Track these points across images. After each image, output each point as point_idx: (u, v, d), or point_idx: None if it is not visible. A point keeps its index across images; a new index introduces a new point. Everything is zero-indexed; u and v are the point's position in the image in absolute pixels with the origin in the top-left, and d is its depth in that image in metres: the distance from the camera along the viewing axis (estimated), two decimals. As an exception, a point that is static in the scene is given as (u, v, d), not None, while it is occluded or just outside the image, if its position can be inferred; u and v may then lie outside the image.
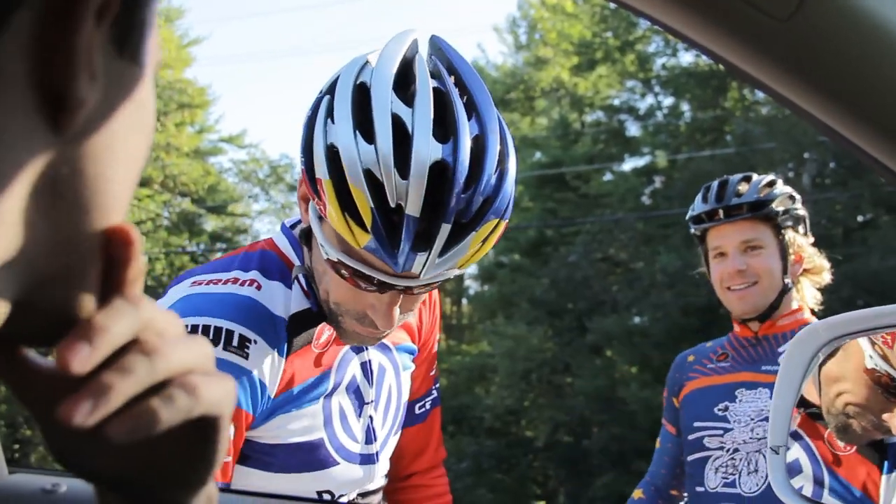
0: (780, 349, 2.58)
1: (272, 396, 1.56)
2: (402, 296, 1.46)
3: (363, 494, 1.71)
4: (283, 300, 1.59)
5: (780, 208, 2.61)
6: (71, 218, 0.47)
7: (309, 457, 1.60)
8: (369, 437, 1.69)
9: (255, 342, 1.52)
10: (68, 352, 0.45)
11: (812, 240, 2.67)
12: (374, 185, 1.32)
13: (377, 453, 1.70)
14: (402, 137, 1.32)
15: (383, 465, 1.75)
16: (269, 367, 1.54)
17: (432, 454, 1.98)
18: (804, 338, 1.21)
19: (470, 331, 27.01)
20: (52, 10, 0.42)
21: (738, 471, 2.57)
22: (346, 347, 1.67)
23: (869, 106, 0.71)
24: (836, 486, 2.16)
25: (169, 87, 25.00)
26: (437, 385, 1.97)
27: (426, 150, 1.31)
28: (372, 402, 1.70)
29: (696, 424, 2.68)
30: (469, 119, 1.38)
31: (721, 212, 2.64)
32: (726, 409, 2.62)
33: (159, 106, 24.74)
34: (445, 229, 1.33)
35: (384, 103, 1.33)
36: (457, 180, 1.32)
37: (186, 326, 1.64)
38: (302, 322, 1.60)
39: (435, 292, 1.89)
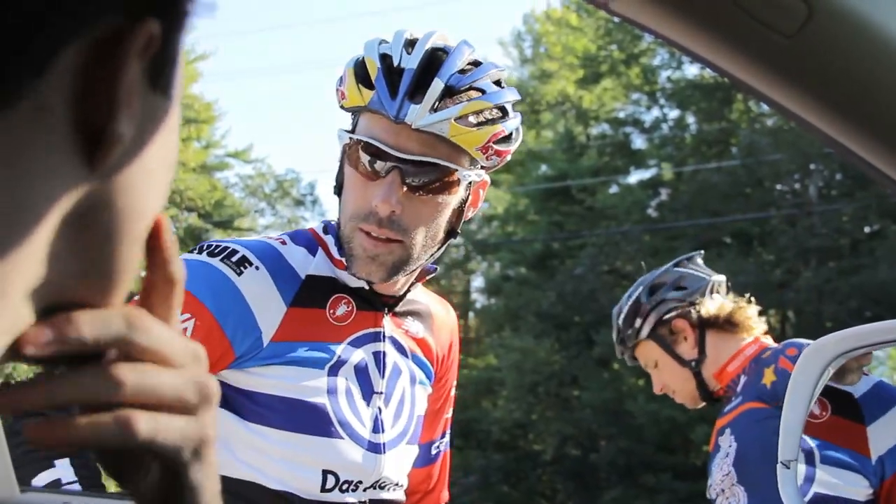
0: (738, 388, 2.67)
1: (268, 337, 1.58)
2: (402, 183, 1.55)
3: (375, 503, 1.70)
4: (303, 260, 1.68)
5: (645, 328, 2.79)
6: (100, 249, 0.48)
7: (310, 418, 1.60)
8: (377, 426, 1.69)
9: (257, 268, 1.60)
10: (31, 332, 0.46)
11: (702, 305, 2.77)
12: (384, 57, 1.59)
13: (384, 444, 1.68)
14: (410, 44, 1.60)
15: (393, 465, 1.72)
16: (264, 298, 1.59)
17: (437, 496, 2.00)
18: (814, 353, 1.21)
19: (477, 344, 26.99)
20: (99, 49, 0.42)
21: None
22: (362, 331, 1.70)
23: (876, 121, 0.72)
24: (827, 454, 2.23)
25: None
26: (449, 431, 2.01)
27: (429, 42, 1.59)
28: (382, 393, 1.71)
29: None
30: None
31: (619, 349, 2.93)
32: (714, 458, 2.70)
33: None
34: (438, 84, 1.53)
35: (399, 37, 1.63)
36: (451, 59, 1.57)
37: (200, 247, 1.62)
38: (318, 284, 1.66)
39: (455, 335, 1.94)
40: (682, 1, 0.70)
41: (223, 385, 1.57)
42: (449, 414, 1.98)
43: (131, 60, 0.43)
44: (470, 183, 1.64)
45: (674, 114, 23.85)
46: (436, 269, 1.77)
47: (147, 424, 0.51)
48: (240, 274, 1.58)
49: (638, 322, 2.79)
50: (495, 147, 1.61)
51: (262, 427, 1.58)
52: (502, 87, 1.64)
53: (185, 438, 0.54)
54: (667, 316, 2.76)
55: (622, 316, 2.84)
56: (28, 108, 0.40)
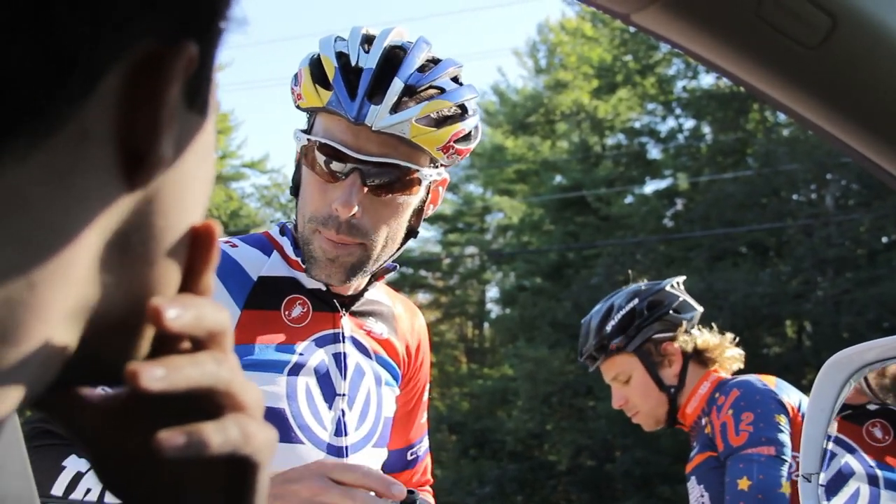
0: (701, 426, 2.70)
1: None
2: (362, 185, 1.54)
3: None
4: (256, 261, 1.66)
5: (635, 342, 2.77)
6: (138, 270, 0.48)
7: (270, 423, 1.56)
8: (339, 429, 1.65)
9: None
10: (142, 368, 0.46)
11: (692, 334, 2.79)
12: (341, 55, 1.57)
13: (347, 448, 1.65)
14: (368, 41, 1.59)
15: None
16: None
17: None
18: (833, 367, 1.20)
19: (492, 354, 26.95)
20: (141, 72, 0.42)
21: None
22: (320, 333, 1.67)
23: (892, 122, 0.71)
24: (891, 477, 2.20)
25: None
26: (426, 435, 1.98)
27: (387, 40, 1.58)
28: (345, 395, 1.67)
29: None
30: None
31: (589, 361, 2.91)
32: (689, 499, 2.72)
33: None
34: (398, 84, 1.52)
35: (356, 33, 1.61)
36: (410, 57, 1.56)
37: None
38: (271, 286, 1.65)
39: (424, 336, 1.91)
40: (704, 14, 0.69)
41: None
42: (423, 419, 1.95)
43: (172, 83, 0.43)
44: (430, 182, 1.63)
45: (689, 124, 23.79)
46: (395, 267, 1.74)
47: (256, 431, 0.55)
48: None
49: (629, 333, 2.77)
50: (456, 146, 1.60)
51: None
52: (461, 84, 1.62)
53: (270, 445, 0.57)
54: (658, 336, 2.76)
55: (612, 323, 2.79)
56: (72, 132, 0.40)
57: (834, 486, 2.18)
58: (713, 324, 2.85)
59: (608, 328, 2.79)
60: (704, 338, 2.75)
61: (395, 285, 26.30)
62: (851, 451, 2.22)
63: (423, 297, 28.48)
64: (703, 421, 2.66)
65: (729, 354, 2.76)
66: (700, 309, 2.83)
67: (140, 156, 0.43)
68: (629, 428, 19.51)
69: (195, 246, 0.53)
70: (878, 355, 1.16)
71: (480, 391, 23.16)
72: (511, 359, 22.20)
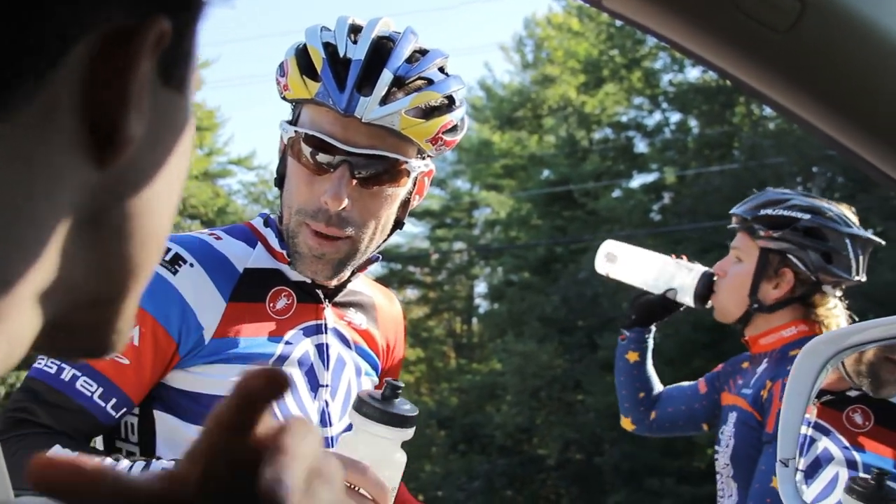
0: (758, 369, 2.58)
1: (210, 334, 1.55)
2: (351, 177, 1.53)
3: None
4: (241, 254, 1.65)
5: (761, 229, 2.60)
6: (113, 249, 0.47)
7: None
8: (324, 419, 1.66)
9: (192, 265, 1.57)
10: (275, 483, 0.46)
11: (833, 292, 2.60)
12: (328, 45, 1.56)
13: (332, 438, 1.66)
14: (355, 31, 1.58)
15: None
16: (202, 295, 1.56)
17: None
18: (810, 352, 1.21)
19: (480, 349, 26.95)
20: (109, 47, 0.42)
21: (723, 496, 2.60)
22: (304, 324, 1.68)
23: (869, 115, 0.72)
24: (870, 462, 2.20)
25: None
26: None
27: (374, 31, 1.57)
28: (328, 386, 1.68)
29: (715, 447, 2.71)
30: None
31: (734, 219, 2.73)
32: (722, 432, 2.64)
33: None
34: (387, 76, 1.51)
35: (343, 24, 1.60)
36: (398, 48, 1.55)
37: None
38: (257, 278, 1.64)
39: (400, 327, 1.92)
40: (675, -2, 0.70)
41: (166, 388, 1.56)
42: None
43: (142, 58, 0.43)
44: (417, 173, 1.63)
45: (676, 117, 23.83)
46: (378, 258, 1.74)
47: None
48: (175, 273, 1.55)
49: (771, 232, 2.58)
50: (444, 137, 1.60)
51: None
52: (448, 75, 1.62)
53: None
54: (791, 258, 2.57)
55: (767, 210, 2.60)
56: (39, 106, 0.40)
57: (813, 471, 2.19)
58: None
59: (762, 212, 2.62)
60: (823, 303, 2.57)
61: (384, 281, 26.25)
62: (831, 436, 2.23)
63: (412, 292, 28.48)
64: (767, 367, 2.52)
65: (835, 313, 2.59)
66: (858, 279, 2.56)
67: (108, 132, 0.43)
68: (617, 421, 19.43)
69: (267, 389, 0.52)
70: (855, 340, 1.18)
71: (469, 386, 23.16)
72: (499, 353, 22.21)
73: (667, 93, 23.54)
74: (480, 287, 28.70)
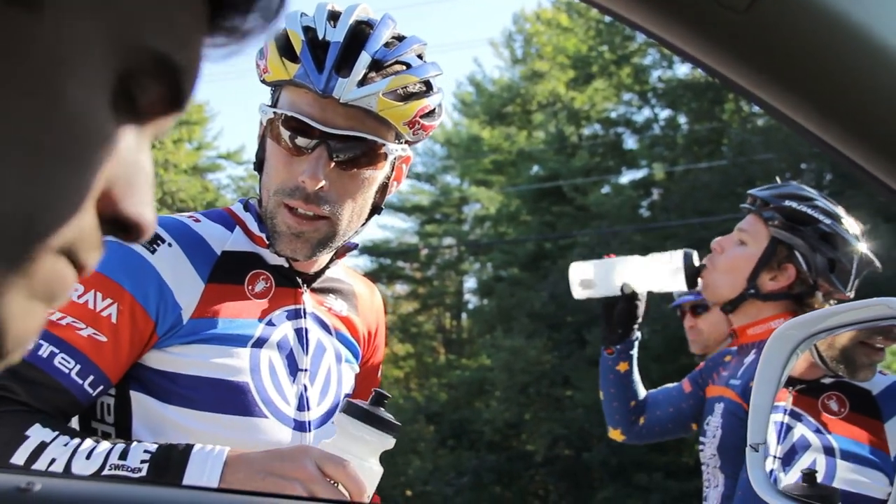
0: (746, 360, 2.58)
1: (188, 314, 1.56)
2: (329, 159, 1.55)
3: None
4: (219, 236, 1.66)
5: (779, 218, 2.57)
6: (27, 94, 0.43)
7: (233, 398, 1.57)
8: (302, 404, 1.67)
9: (170, 245, 1.58)
10: None
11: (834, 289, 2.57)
12: (308, 29, 1.58)
13: (310, 423, 1.66)
14: (334, 16, 1.61)
15: (319, 444, 1.71)
16: (180, 275, 1.57)
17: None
18: (781, 336, 1.22)
19: (469, 345, 26.97)
20: None
21: (709, 486, 2.61)
22: (282, 308, 1.68)
23: (826, 95, 0.72)
24: (847, 448, 2.20)
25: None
26: None
27: (353, 15, 1.60)
28: (307, 371, 1.69)
29: (700, 438, 2.72)
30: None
31: (749, 199, 2.69)
32: (708, 423, 2.65)
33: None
34: (365, 58, 1.54)
35: (322, 9, 1.62)
36: (377, 32, 1.58)
37: None
38: (235, 260, 1.65)
39: (381, 316, 1.93)
40: (634, -22, 0.70)
41: (143, 369, 1.56)
42: None
43: None
44: (395, 158, 1.64)
45: (665, 114, 23.89)
46: (356, 245, 1.75)
47: None
48: (153, 252, 1.55)
49: (784, 223, 2.56)
50: (421, 121, 1.62)
51: (185, 409, 1.54)
52: (425, 62, 1.64)
53: None
54: (797, 253, 2.56)
55: (790, 203, 2.58)
56: None
57: (789, 459, 2.20)
58: None
59: (786, 202, 2.59)
60: (820, 305, 2.53)
61: (373, 276, 26.27)
62: (807, 423, 2.24)
63: (401, 287, 28.50)
64: (754, 357, 2.51)
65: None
66: (849, 294, 2.56)
67: None
68: (606, 417, 19.59)
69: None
70: (824, 325, 1.18)
71: (458, 382, 23.19)
72: (488, 349, 22.24)
73: (656, 89, 23.59)
74: (470, 282, 28.75)
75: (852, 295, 2.58)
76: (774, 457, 2.17)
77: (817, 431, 2.23)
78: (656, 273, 2.78)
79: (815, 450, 2.21)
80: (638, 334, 2.96)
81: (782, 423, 2.26)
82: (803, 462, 2.20)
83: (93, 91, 0.44)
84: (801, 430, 2.24)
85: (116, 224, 0.49)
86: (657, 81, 23.58)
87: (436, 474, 20.20)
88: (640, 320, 2.92)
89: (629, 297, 2.82)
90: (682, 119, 23.60)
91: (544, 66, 24.57)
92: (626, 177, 23.72)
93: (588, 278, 2.85)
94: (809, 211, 2.57)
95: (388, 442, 1.42)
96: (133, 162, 0.49)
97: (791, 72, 0.71)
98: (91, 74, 0.44)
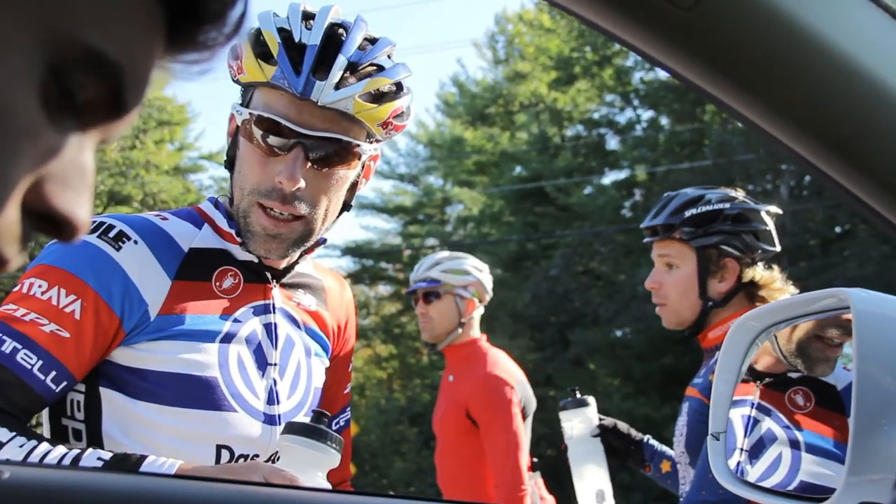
0: (711, 361, 2.62)
1: (155, 311, 1.57)
2: (305, 159, 1.57)
3: None
4: (187, 233, 1.67)
5: (692, 230, 2.65)
6: None
7: (202, 392, 1.58)
8: (272, 398, 1.68)
9: (136, 242, 1.59)
10: None
11: (765, 267, 2.69)
12: (283, 31, 1.59)
13: (280, 416, 1.68)
14: (307, 17, 1.62)
15: None
16: (146, 272, 1.58)
17: (342, 470, 2.01)
18: (740, 327, 1.24)
19: (452, 345, 26.95)
20: None
21: (683, 482, 2.65)
22: (251, 304, 1.70)
23: (769, 89, 0.75)
24: (812, 442, 2.24)
25: (148, 104, 24.97)
26: (350, 406, 2.02)
27: (328, 17, 1.61)
28: (276, 365, 1.70)
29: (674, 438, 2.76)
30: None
31: (649, 231, 2.76)
32: (678, 423, 2.69)
33: (139, 123, 24.70)
34: (342, 61, 1.56)
35: (295, 10, 1.64)
36: (352, 36, 1.59)
37: None
38: (202, 257, 1.67)
39: (352, 310, 1.95)
40: (585, -24, 0.73)
41: (112, 365, 1.57)
42: (348, 390, 1.99)
43: None
44: (366, 157, 1.67)
45: (647, 115, 23.98)
46: (325, 240, 1.77)
47: None
48: (118, 249, 1.57)
49: (702, 229, 2.64)
50: (394, 122, 1.65)
51: (154, 405, 1.55)
52: (395, 63, 1.66)
53: None
54: (726, 248, 2.63)
55: (692, 211, 2.66)
56: None
57: (756, 451, 2.23)
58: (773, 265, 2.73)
59: (686, 213, 2.67)
60: (763, 274, 2.63)
61: (355, 277, 26.26)
62: (775, 417, 2.27)
63: (384, 288, 28.48)
64: (717, 358, 2.59)
65: (779, 287, 2.65)
66: (777, 249, 2.70)
67: None
68: (588, 417, 19.64)
69: None
70: (784, 315, 1.21)
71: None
72: (472, 349, 22.24)
73: (638, 90, 23.68)
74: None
75: (779, 248, 2.71)
76: (741, 449, 2.19)
77: (783, 425, 2.27)
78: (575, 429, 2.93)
79: (782, 443, 2.24)
80: (646, 437, 3.03)
81: (749, 416, 2.29)
82: (770, 455, 2.22)
83: (16, 81, 0.44)
84: (767, 424, 2.27)
85: (46, 220, 0.50)
86: (639, 83, 23.67)
87: (418, 475, 20.20)
88: (633, 435, 3.01)
89: (607, 433, 2.93)
90: (663, 120, 23.69)
91: (527, 66, 24.62)
92: (609, 177, 23.82)
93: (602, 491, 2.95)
94: (710, 207, 2.66)
95: (333, 457, 1.46)
96: (71, 161, 0.49)
97: (737, 68, 0.74)
98: (14, 64, 0.44)
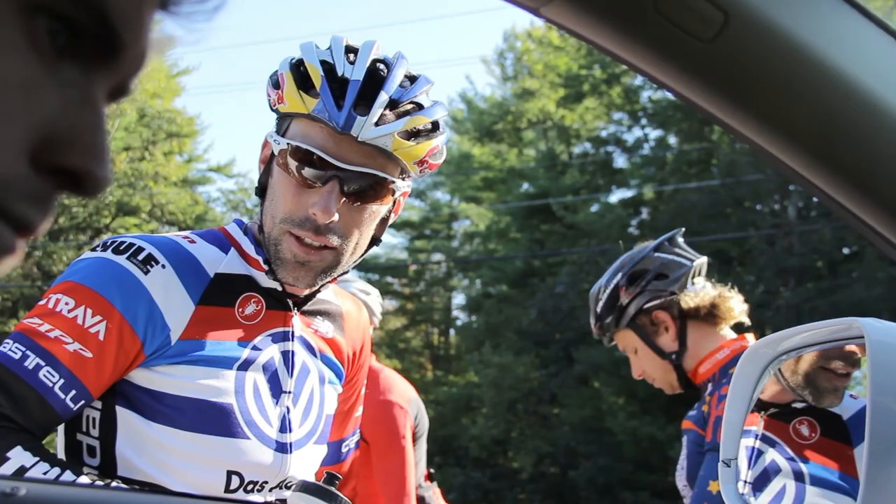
0: (704, 393, 2.67)
1: (177, 335, 1.58)
2: (340, 193, 1.57)
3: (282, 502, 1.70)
4: (213, 258, 1.68)
5: (611, 319, 2.75)
6: None
7: (217, 419, 1.58)
8: (284, 425, 1.68)
9: (163, 266, 1.60)
10: None
11: (695, 288, 2.73)
12: (326, 64, 1.60)
13: (291, 444, 1.69)
14: (350, 51, 1.63)
15: (300, 465, 1.72)
16: (171, 297, 1.59)
17: (351, 492, 2.01)
18: (752, 354, 1.24)
19: (457, 361, 26.97)
20: None
21: None
22: (271, 331, 1.71)
23: (789, 121, 0.75)
24: (816, 474, 2.22)
25: (158, 116, 25.07)
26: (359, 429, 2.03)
27: (371, 53, 1.61)
28: (290, 393, 1.71)
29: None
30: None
31: (597, 333, 2.87)
32: (680, 455, 2.71)
33: (148, 135, 24.78)
34: (383, 98, 1.56)
35: (338, 43, 1.65)
36: (393, 73, 1.60)
37: (104, 243, 1.61)
38: (227, 283, 1.67)
39: (367, 334, 1.96)
40: (606, 7, 0.73)
41: (130, 385, 1.58)
42: (359, 412, 2.00)
43: None
44: (399, 193, 1.67)
45: (655, 133, 24.00)
46: (347, 270, 1.76)
47: None
48: (146, 273, 1.58)
49: (616, 312, 2.74)
50: (429, 161, 1.65)
51: (168, 428, 1.56)
52: (434, 102, 1.67)
53: None
54: (647, 306, 2.70)
55: (601, 303, 2.77)
56: None
57: (761, 483, 2.22)
58: (713, 278, 2.78)
59: (598, 308, 2.78)
60: (690, 299, 2.69)
61: (362, 291, 26.22)
62: (779, 448, 2.26)
63: (389, 303, 28.48)
64: (710, 388, 2.62)
65: (730, 305, 2.70)
66: (699, 259, 2.75)
67: None
68: (592, 435, 19.61)
69: None
70: (794, 343, 1.21)
71: (445, 398, 23.16)
72: (476, 366, 22.24)
73: (646, 109, 23.70)
74: (458, 299, 28.77)
75: (694, 256, 2.77)
76: (745, 481, 2.18)
77: (788, 456, 2.25)
78: None
79: (786, 475, 2.23)
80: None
81: (753, 447, 2.28)
82: (774, 487, 2.21)
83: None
84: (772, 455, 2.26)
85: (63, 178, 0.48)
86: (647, 101, 23.70)
87: (422, 491, 20.15)
88: None
89: None
90: (671, 139, 23.71)
91: (535, 84, 24.67)
92: (616, 195, 23.82)
93: None
94: (610, 289, 2.76)
95: None
96: (79, 111, 0.48)
97: (755, 98, 0.74)
98: None
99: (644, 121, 23.84)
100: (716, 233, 20.07)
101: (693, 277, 2.73)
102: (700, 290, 2.70)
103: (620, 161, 24.41)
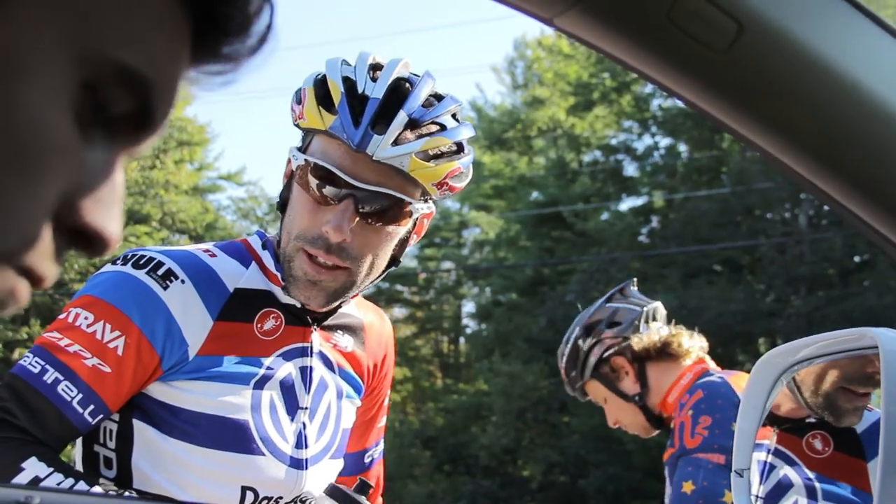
0: (675, 419, 2.73)
1: (195, 351, 1.58)
2: (355, 212, 1.55)
3: None
4: (234, 273, 1.66)
5: (575, 373, 2.87)
6: None
7: (233, 435, 1.58)
8: (300, 442, 1.68)
9: (183, 281, 1.58)
10: None
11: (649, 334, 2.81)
12: (348, 81, 1.58)
13: (307, 460, 1.68)
14: (375, 69, 1.60)
15: (316, 481, 1.71)
16: (190, 312, 1.58)
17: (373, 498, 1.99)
18: (765, 364, 1.24)
19: (467, 369, 26.94)
20: None
21: None
22: (289, 346, 1.69)
23: (803, 131, 0.75)
24: (829, 489, 2.21)
25: (169, 124, 25.08)
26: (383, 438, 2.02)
27: (394, 71, 1.58)
28: (307, 409, 1.70)
29: None
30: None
31: (567, 385, 2.98)
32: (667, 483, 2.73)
33: (159, 143, 24.85)
34: (402, 117, 1.53)
35: (364, 60, 1.62)
36: (416, 92, 1.57)
37: (124, 256, 1.60)
38: (247, 298, 1.66)
39: (390, 344, 1.94)
40: (620, 18, 0.73)
41: (147, 399, 1.57)
42: (382, 423, 1.97)
43: None
44: (418, 215, 1.64)
45: (665, 141, 23.98)
46: (364, 290, 1.74)
47: None
48: (165, 288, 1.56)
49: (579, 365, 2.85)
50: (450, 183, 1.61)
51: (184, 444, 1.56)
52: (459, 123, 1.63)
53: None
54: (605, 355, 2.81)
55: (565, 358, 2.89)
56: None
57: (773, 498, 2.21)
58: (660, 318, 2.86)
59: (563, 364, 2.90)
60: (640, 340, 2.77)
61: (372, 299, 26.21)
62: (791, 463, 2.25)
63: (399, 311, 28.49)
64: (680, 411, 2.66)
65: (681, 341, 2.76)
66: (648, 306, 2.84)
67: None
68: (602, 444, 19.55)
69: None
70: (807, 354, 1.21)
71: (455, 406, 23.13)
72: (486, 374, 22.21)
73: (656, 117, 23.69)
74: (468, 307, 28.76)
75: (646, 301, 2.87)
76: (757, 496, 2.17)
77: (801, 471, 2.24)
78: None
79: (798, 490, 2.22)
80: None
81: (766, 462, 2.28)
82: (786, 502, 2.20)
83: (51, 99, 0.44)
84: (784, 470, 2.25)
85: (78, 236, 0.50)
86: (657, 109, 23.68)
87: (431, 499, 20.13)
88: None
89: None
90: (682, 147, 23.69)
91: (545, 92, 24.68)
92: (626, 204, 23.81)
93: None
94: (569, 344, 2.90)
95: None
96: (100, 175, 0.50)
97: (769, 108, 0.74)
98: (49, 82, 0.45)
99: (654, 129, 23.83)
100: (726, 241, 20.03)
101: (646, 321, 2.82)
102: (652, 332, 2.79)
103: (631, 169, 24.40)
